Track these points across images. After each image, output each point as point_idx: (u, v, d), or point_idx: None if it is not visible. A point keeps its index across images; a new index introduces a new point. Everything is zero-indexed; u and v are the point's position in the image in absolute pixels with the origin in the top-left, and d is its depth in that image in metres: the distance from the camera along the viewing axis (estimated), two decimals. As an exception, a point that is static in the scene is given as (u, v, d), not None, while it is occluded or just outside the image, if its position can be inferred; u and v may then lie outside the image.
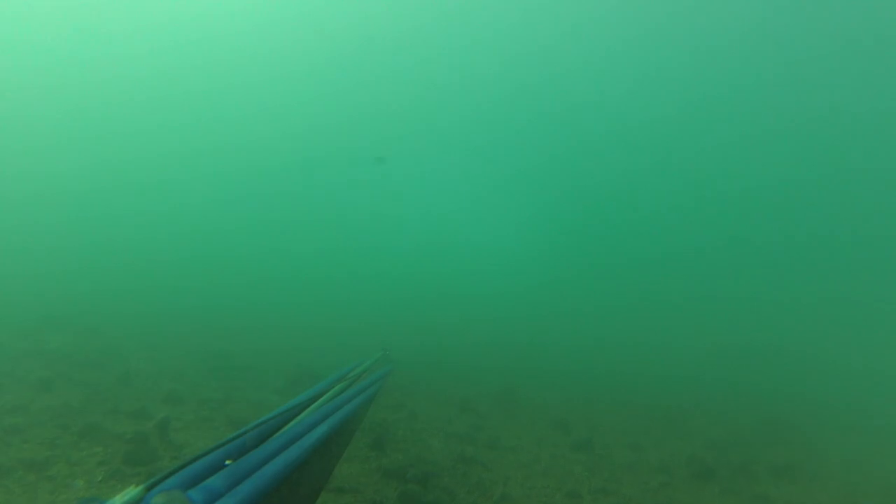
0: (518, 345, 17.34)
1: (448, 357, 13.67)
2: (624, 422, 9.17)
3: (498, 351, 15.80)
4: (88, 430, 5.13)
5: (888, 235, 38.54)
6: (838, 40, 36.17)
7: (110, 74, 46.72)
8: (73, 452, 4.63)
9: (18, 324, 10.37)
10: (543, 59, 46.03)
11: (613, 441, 7.76)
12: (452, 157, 53.61)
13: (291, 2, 47.29)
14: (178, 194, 42.93)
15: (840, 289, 34.57)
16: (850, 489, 6.76)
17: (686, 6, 38.52)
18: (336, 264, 34.52)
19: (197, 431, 5.76)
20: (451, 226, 50.26)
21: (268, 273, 28.57)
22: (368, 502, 4.44)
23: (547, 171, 51.74)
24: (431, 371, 11.45)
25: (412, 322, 19.61)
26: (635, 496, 5.59)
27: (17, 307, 12.46)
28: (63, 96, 45.58)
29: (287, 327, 15.71)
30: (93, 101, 46.21)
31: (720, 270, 39.31)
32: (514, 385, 10.48)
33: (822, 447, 8.86)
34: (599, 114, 48.66)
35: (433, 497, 4.67)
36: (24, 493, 3.78)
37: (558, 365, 14.72)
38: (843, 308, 31.04)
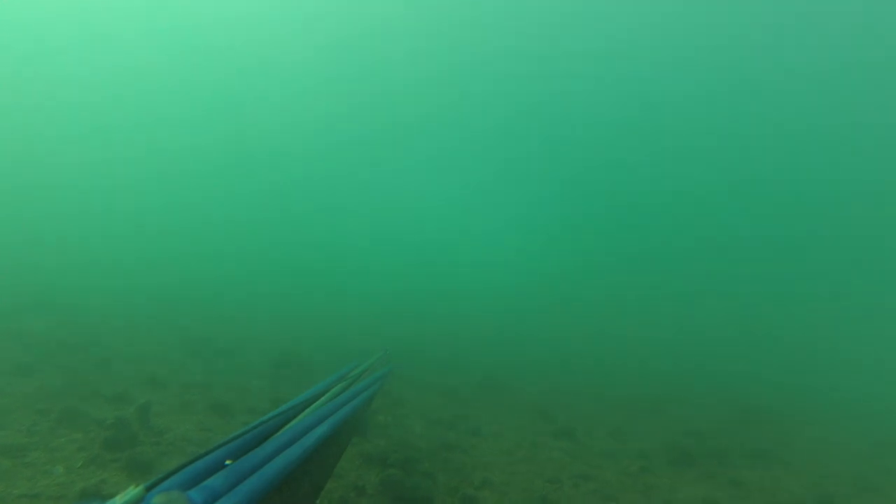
0: (502, 336, 17.46)
1: (433, 345, 13.73)
2: (605, 411, 9.29)
3: (482, 341, 15.90)
4: (68, 416, 5.07)
5: (864, 225, 39.31)
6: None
7: (101, 72, 45.92)
8: (52, 438, 4.58)
9: (-5, 307, 10.20)
10: (543, 48, 45.77)
11: (594, 429, 7.87)
12: (443, 153, 53.47)
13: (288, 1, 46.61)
14: (164, 186, 42.58)
15: (816, 281, 35.25)
16: (819, 474, 6.94)
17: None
18: (325, 258, 34.61)
19: (179, 416, 5.72)
20: (435, 221, 50.33)
21: (256, 262, 28.50)
22: (350, 487, 4.46)
23: (535, 166, 51.78)
24: (416, 358, 11.49)
25: (397, 312, 19.67)
26: (615, 481, 5.68)
27: (-5, 290, 12.24)
28: (49, 93, 44.82)
29: (271, 314, 15.67)
30: (80, 97, 45.50)
31: (700, 265, 39.91)
32: (497, 374, 10.57)
33: (795, 434, 9.07)
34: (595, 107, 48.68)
35: (414, 482, 4.70)
36: (2, 479, 3.74)
37: (541, 356, 14.85)
38: (820, 300, 31.66)
